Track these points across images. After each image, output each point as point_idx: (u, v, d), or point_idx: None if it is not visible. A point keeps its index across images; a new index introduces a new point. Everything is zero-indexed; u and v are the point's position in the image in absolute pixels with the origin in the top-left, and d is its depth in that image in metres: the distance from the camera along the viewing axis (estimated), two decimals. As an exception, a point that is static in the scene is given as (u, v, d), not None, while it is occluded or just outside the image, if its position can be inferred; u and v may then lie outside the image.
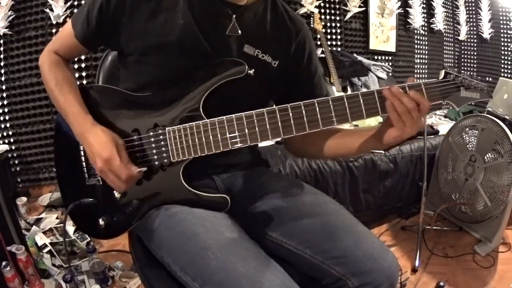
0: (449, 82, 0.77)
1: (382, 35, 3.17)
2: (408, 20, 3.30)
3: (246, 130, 0.78)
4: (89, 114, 0.85)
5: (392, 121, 0.76)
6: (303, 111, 0.76)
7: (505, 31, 3.42)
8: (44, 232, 1.95)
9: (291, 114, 0.77)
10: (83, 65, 2.34)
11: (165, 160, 0.83)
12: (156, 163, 0.84)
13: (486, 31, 3.52)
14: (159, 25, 0.82)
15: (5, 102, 2.29)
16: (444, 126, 2.62)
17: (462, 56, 3.88)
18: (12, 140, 2.36)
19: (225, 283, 0.69)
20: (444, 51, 3.76)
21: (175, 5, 0.83)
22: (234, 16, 0.85)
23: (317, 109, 0.76)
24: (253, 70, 0.82)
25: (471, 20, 3.69)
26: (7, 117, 2.32)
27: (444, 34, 3.68)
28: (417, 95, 0.74)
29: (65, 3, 2.20)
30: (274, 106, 0.78)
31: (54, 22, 2.21)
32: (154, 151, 0.83)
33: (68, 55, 0.93)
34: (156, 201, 0.86)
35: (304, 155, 1.08)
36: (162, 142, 0.83)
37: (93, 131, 0.82)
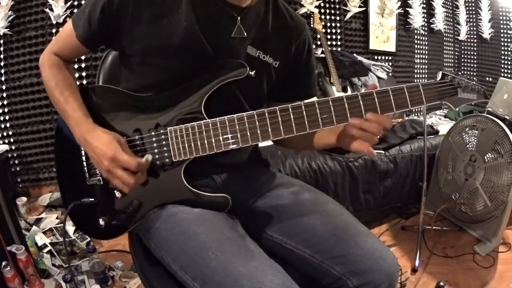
0: (446, 83, 0.78)
1: (382, 35, 3.17)
2: (408, 20, 3.30)
3: (248, 130, 0.78)
4: (90, 117, 0.85)
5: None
6: (304, 112, 0.76)
7: (505, 31, 3.42)
8: (44, 232, 1.94)
9: (291, 114, 0.77)
10: (83, 65, 2.34)
11: (167, 160, 0.83)
12: (158, 162, 0.84)
13: (486, 31, 3.52)
14: (161, 27, 0.82)
15: (5, 102, 2.29)
16: (444, 126, 2.62)
17: (462, 56, 3.88)
18: (12, 140, 2.36)
19: (225, 283, 0.69)
20: (444, 51, 3.75)
21: (178, 7, 0.82)
22: (238, 18, 0.86)
23: (317, 109, 0.76)
24: (254, 71, 0.82)
25: (471, 20, 3.69)
26: (7, 117, 2.32)
27: (444, 34, 3.68)
28: (376, 116, 0.75)
29: (65, 3, 2.20)
30: (276, 107, 0.78)
31: (54, 22, 2.21)
32: (156, 150, 0.83)
33: (69, 56, 0.93)
34: (156, 201, 0.86)
35: (282, 145, 1.11)
36: (164, 142, 0.83)
37: (94, 133, 0.81)
